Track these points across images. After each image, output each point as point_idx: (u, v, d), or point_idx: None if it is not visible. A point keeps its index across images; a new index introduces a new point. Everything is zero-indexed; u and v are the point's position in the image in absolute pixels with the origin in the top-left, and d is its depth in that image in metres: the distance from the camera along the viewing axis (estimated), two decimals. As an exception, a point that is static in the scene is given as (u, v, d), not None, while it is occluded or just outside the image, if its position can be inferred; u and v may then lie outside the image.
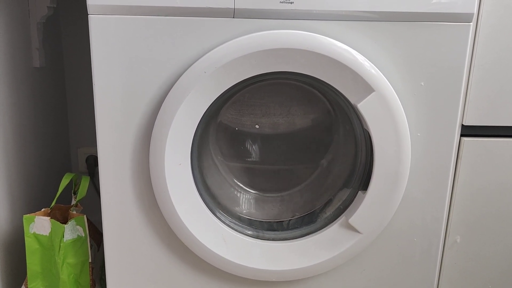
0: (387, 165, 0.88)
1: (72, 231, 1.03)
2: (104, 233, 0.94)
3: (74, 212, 1.07)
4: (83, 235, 1.05)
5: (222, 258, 0.92)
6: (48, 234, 1.04)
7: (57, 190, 1.10)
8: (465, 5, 0.84)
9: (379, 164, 0.87)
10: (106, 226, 0.94)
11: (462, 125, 0.95)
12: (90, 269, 1.07)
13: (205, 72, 0.82)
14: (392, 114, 0.85)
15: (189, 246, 0.92)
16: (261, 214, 1.04)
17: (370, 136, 0.86)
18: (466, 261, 1.04)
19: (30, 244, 1.04)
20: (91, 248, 1.08)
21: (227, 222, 0.96)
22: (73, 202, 1.12)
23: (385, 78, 0.84)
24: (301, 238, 0.95)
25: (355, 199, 0.94)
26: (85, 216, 1.06)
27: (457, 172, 0.97)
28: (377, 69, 0.84)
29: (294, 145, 1.06)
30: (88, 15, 0.82)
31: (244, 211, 1.04)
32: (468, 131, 0.96)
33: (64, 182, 1.10)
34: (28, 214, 1.03)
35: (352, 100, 0.85)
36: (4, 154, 1.05)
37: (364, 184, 0.92)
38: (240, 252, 0.93)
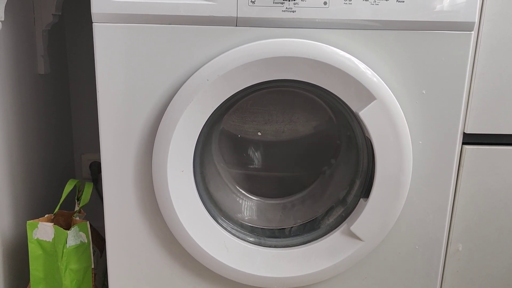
0: (389, 173, 0.88)
1: (75, 237, 1.04)
2: (107, 239, 0.94)
3: (77, 218, 1.08)
4: (86, 241, 1.05)
5: (224, 265, 0.92)
6: (51, 240, 1.04)
7: (61, 196, 1.11)
8: (466, 14, 0.84)
9: (381, 172, 0.88)
10: (109, 232, 0.94)
11: (464, 133, 0.95)
12: (93, 275, 1.08)
13: (207, 80, 0.82)
14: (394, 122, 0.85)
15: (191, 252, 0.92)
16: (263, 221, 1.04)
17: (372, 144, 0.87)
18: (468, 269, 1.03)
19: (33, 250, 1.05)
20: (93, 254, 1.08)
21: (229, 229, 0.96)
22: (76, 208, 1.12)
23: (386, 86, 0.84)
24: (303, 245, 0.95)
25: (357, 206, 0.94)
26: (88, 222, 1.06)
27: (458, 180, 0.97)
28: (378, 78, 0.84)
29: (296, 152, 1.06)
30: (93, 23, 0.83)
31: (246, 218, 1.04)
32: (470, 139, 0.96)
33: (68, 188, 1.10)
34: (31, 220, 1.04)
35: (354, 108, 0.86)
36: (8, 160, 1.06)
37: (366, 191, 0.92)
38: (242, 259, 0.93)
